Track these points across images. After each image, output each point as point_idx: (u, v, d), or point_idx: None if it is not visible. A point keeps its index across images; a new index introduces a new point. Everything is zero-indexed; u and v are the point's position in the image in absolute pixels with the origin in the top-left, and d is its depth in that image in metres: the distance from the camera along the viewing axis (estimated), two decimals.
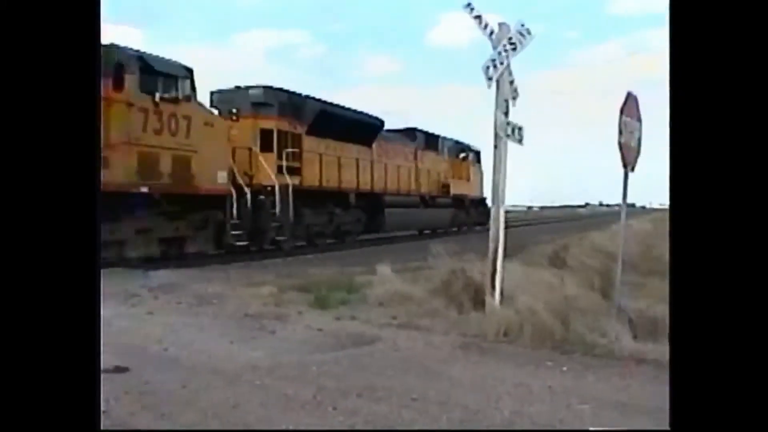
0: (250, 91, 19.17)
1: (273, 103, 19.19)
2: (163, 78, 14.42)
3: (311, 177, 20.32)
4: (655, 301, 7.67)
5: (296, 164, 19.54)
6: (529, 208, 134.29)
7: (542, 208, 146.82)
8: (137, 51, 14.25)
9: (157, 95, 14.08)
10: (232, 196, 16.24)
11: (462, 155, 33.30)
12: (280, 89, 19.83)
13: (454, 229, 31.69)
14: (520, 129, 7.54)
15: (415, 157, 28.21)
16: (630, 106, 7.21)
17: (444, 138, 31.44)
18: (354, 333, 6.81)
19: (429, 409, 4.42)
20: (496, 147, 7.51)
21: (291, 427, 4.07)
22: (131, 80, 13.60)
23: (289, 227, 18.76)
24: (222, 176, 15.99)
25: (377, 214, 24.52)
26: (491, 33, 7.36)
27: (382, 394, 4.73)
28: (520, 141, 7.59)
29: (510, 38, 7.27)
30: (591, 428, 4.14)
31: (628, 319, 6.59)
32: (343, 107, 22.95)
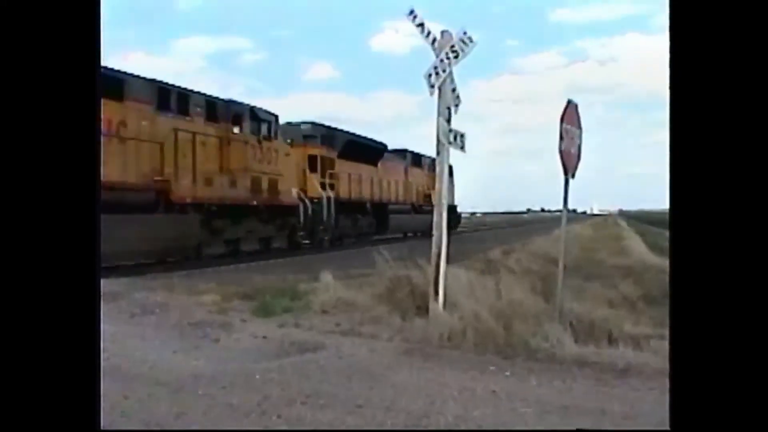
0: (302, 126, 25.87)
1: (317, 135, 26.06)
2: (263, 122, 20.48)
3: (343, 191, 26.92)
4: (596, 304, 7.82)
5: (333, 181, 25.81)
6: (473, 214, 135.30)
7: (485, 214, 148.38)
8: (248, 105, 20.10)
9: (261, 135, 20.21)
10: (300, 206, 22.52)
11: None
12: (321, 124, 27.00)
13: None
14: (462, 136, 7.60)
15: (406, 173, 35.41)
16: (570, 113, 7.29)
17: (425, 156, 36.64)
18: (298, 340, 6.77)
19: (374, 415, 4.43)
20: (438, 154, 7.56)
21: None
22: (245, 125, 19.67)
23: (330, 229, 25.40)
24: (294, 192, 22.45)
25: (384, 219, 31.56)
26: (434, 41, 7.41)
27: (327, 401, 4.72)
28: (462, 148, 7.65)
29: (452, 46, 7.32)
30: (589, 428, 4.20)
31: (570, 323, 6.68)
32: (360, 136, 29.94)
